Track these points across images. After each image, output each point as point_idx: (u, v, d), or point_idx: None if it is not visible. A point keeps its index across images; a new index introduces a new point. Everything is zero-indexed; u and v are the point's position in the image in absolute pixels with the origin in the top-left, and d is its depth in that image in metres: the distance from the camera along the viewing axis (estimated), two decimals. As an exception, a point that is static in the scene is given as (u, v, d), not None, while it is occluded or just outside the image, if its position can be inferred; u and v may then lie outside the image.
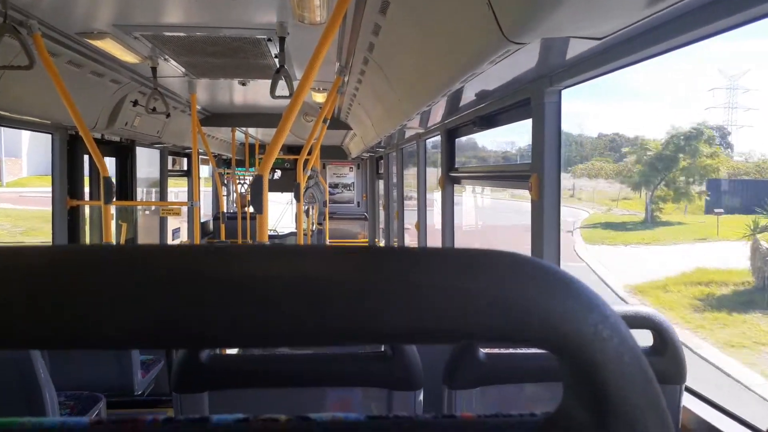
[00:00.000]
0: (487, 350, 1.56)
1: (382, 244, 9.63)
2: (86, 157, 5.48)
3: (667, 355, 1.53)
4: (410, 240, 7.38)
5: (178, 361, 1.46)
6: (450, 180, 4.40)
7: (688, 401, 1.89)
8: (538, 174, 2.46)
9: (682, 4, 1.39)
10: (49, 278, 0.32)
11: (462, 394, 1.55)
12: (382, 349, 1.58)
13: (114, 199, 3.72)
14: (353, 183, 12.34)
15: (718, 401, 1.91)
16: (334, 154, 11.09)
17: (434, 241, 5.82)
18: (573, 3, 1.47)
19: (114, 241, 3.61)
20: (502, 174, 3.37)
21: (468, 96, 3.20)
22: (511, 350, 1.59)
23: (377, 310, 0.33)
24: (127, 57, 3.92)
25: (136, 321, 0.32)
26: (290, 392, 1.59)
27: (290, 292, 0.33)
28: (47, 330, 0.32)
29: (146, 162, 7.35)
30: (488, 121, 3.30)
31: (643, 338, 1.59)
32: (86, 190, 5.77)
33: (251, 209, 9.84)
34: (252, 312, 0.32)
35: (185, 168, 8.99)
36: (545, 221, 2.48)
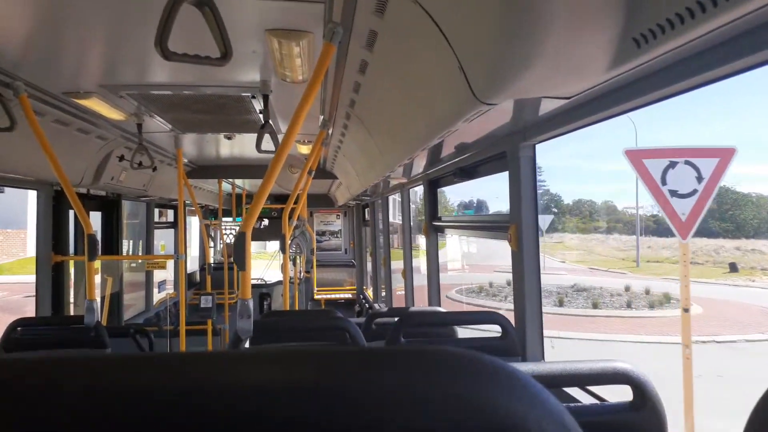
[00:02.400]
0: None
1: (370, 291, 9.59)
2: (71, 212, 5.48)
3: (647, 410, 1.54)
4: (398, 286, 7.37)
5: None
6: (433, 229, 4.45)
7: None
8: (517, 224, 2.51)
9: (641, 67, 1.47)
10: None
11: None
12: None
13: (98, 255, 3.71)
14: (340, 230, 12.36)
15: None
16: (321, 201, 11.15)
17: (422, 288, 5.82)
18: (539, 66, 1.55)
19: (98, 298, 3.58)
20: (482, 225, 3.42)
21: (448, 148, 3.28)
22: None
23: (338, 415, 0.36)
24: (114, 115, 3.98)
25: None
26: None
27: (239, 401, 0.35)
28: None
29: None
30: (468, 172, 3.37)
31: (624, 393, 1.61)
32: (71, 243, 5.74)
33: None
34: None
35: (171, 219, 8.99)
36: (525, 269, 2.51)
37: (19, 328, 3.40)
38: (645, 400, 1.55)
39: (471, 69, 1.75)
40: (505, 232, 2.64)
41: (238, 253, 2.47)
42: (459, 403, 0.36)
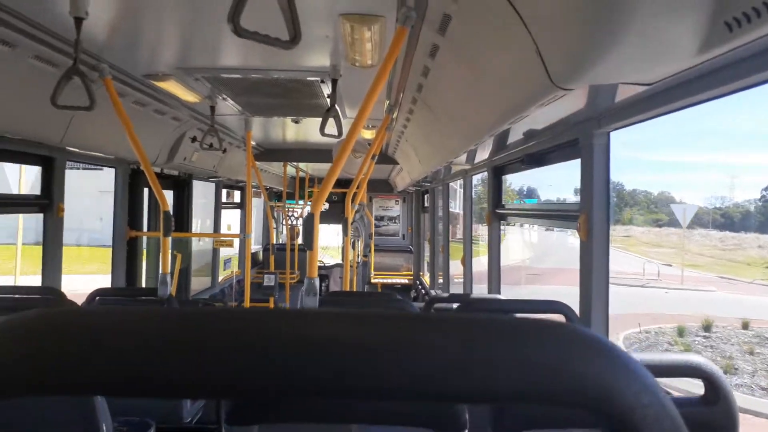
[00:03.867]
0: None
1: (427, 277, 9.61)
2: (145, 190, 5.75)
3: (719, 406, 1.49)
4: (455, 273, 7.35)
5: None
6: (496, 216, 4.40)
7: None
8: (587, 214, 2.46)
9: (732, 52, 1.40)
10: (119, 337, 0.38)
11: None
12: None
13: (172, 232, 3.89)
14: (398, 216, 12.41)
15: None
16: (380, 187, 11.21)
17: (480, 276, 5.78)
18: (621, 50, 1.50)
19: (169, 271, 3.76)
20: (549, 213, 3.36)
21: (516, 135, 3.23)
22: None
23: (426, 374, 0.37)
24: (188, 97, 4.14)
25: (213, 374, 0.38)
26: (335, 428, 1.62)
27: (351, 352, 0.37)
28: (151, 380, 0.38)
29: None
30: (536, 159, 3.31)
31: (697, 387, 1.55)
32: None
33: (300, 241, 10.03)
34: (318, 370, 0.37)
35: (237, 200, 9.27)
36: (594, 261, 2.46)
37: (97, 298, 3.61)
38: (718, 396, 1.50)
39: (548, 53, 1.72)
40: (573, 221, 2.59)
41: (306, 232, 2.54)
42: (559, 374, 0.38)
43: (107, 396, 0.39)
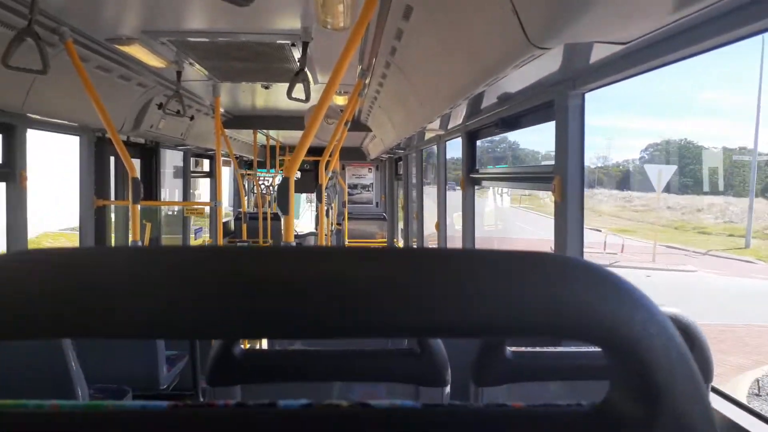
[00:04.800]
0: (513, 348, 1.59)
1: (401, 244, 9.66)
2: (111, 159, 5.60)
3: (695, 353, 1.54)
4: (430, 240, 7.41)
5: (213, 356, 1.52)
6: (471, 181, 4.42)
7: (713, 401, 1.90)
8: (561, 176, 2.48)
9: (707, 9, 1.40)
10: (100, 275, 0.37)
11: (489, 391, 1.58)
12: (408, 345, 1.62)
13: (141, 198, 3.81)
14: (372, 184, 12.40)
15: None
16: (353, 155, 11.15)
17: (454, 241, 5.84)
18: (598, 8, 1.49)
19: (140, 240, 3.69)
20: (524, 176, 3.39)
21: (490, 98, 3.22)
22: (537, 348, 1.62)
23: (431, 308, 0.37)
24: (154, 62, 4.01)
25: (187, 314, 0.36)
26: (318, 386, 1.63)
27: (332, 288, 0.37)
28: (104, 320, 0.37)
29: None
30: (510, 123, 3.32)
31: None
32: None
33: (271, 210, 9.95)
34: (294, 306, 0.36)
35: (207, 169, 9.11)
36: (569, 222, 2.49)
37: None
38: (693, 346, 1.55)
39: (525, 11, 1.70)
40: (548, 183, 2.61)
41: (281, 197, 2.51)
42: (563, 304, 0.38)
43: (78, 336, 0.37)
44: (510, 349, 1.58)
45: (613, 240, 20.20)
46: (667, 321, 0.39)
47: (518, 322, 0.37)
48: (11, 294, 0.36)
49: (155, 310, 0.36)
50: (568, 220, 2.47)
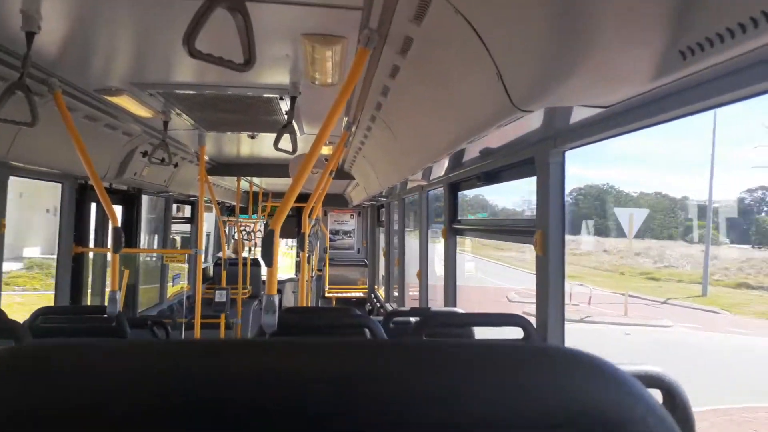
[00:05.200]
0: None
1: (381, 291, 9.62)
2: (93, 205, 5.56)
3: (677, 416, 1.56)
4: (411, 289, 7.40)
5: None
6: (453, 231, 4.47)
7: None
8: (543, 230, 2.53)
9: (685, 78, 1.49)
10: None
11: None
12: None
13: (123, 247, 3.77)
14: (354, 230, 12.41)
15: None
16: (335, 201, 11.20)
17: (436, 290, 5.85)
18: (581, 75, 1.57)
19: (117, 288, 3.64)
20: (506, 228, 3.45)
21: (472, 153, 3.30)
22: None
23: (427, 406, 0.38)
24: (142, 112, 4.04)
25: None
26: None
27: (332, 387, 0.37)
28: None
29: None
30: (492, 177, 3.39)
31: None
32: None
33: (251, 255, 9.87)
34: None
35: (188, 215, 9.07)
36: (550, 276, 2.53)
37: (40, 317, 3.45)
38: (675, 405, 1.56)
39: (510, 77, 1.78)
40: (530, 236, 2.66)
41: (266, 249, 2.51)
42: (559, 398, 0.39)
43: None
44: None
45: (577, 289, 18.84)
46: (666, 414, 0.41)
47: (519, 419, 0.39)
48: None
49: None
50: (550, 273, 2.51)
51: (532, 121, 2.27)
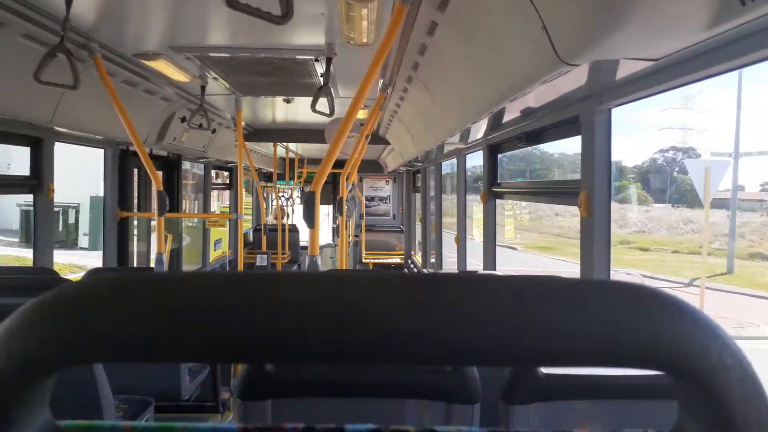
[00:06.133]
0: (545, 369, 1.58)
1: (418, 256, 9.64)
2: (135, 171, 5.68)
3: None
4: (448, 252, 7.38)
5: (244, 371, 1.52)
6: (492, 195, 4.40)
7: None
8: (588, 191, 2.46)
9: (744, 26, 1.39)
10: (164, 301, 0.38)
11: (519, 409, 1.56)
12: None
13: (167, 211, 3.85)
14: (389, 196, 12.41)
15: None
16: (371, 167, 11.19)
17: (475, 254, 5.81)
18: (629, 26, 1.49)
19: (163, 251, 3.73)
20: (548, 190, 3.37)
21: (512, 113, 3.22)
22: (568, 370, 1.60)
23: (488, 333, 0.37)
24: (178, 76, 4.07)
25: (224, 338, 0.37)
26: (348, 402, 1.63)
27: (363, 316, 0.37)
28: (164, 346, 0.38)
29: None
30: (534, 137, 3.31)
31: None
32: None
33: (290, 221, 9.99)
34: (333, 331, 0.37)
35: (227, 181, 9.20)
36: (595, 238, 2.47)
37: (92, 277, 3.57)
38: None
39: (555, 28, 1.70)
40: (573, 198, 2.59)
41: (308, 211, 2.52)
42: (638, 334, 0.37)
43: (159, 361, 0.39)
44: (542, 369, 1.57)
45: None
46: (742, 352, 0.38)
47: (593, 353, 0.37)
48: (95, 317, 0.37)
49: (213, 336, 0.37)
50: (595, 235, 2.45)
51: (577, 76, 2.18)
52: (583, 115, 2.49)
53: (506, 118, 3.43)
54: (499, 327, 0.37)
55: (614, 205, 2.47)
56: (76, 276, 3.89)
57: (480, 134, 4.28)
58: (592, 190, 2.43)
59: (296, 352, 0.37)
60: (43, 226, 3.94)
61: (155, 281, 0.39)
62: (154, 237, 5.72)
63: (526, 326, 0.37)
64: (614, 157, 2.41)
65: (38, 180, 3.89)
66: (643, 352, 0.37)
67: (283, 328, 0.37)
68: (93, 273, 3.53)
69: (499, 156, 4.41)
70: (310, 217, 2.50)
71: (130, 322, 0.37)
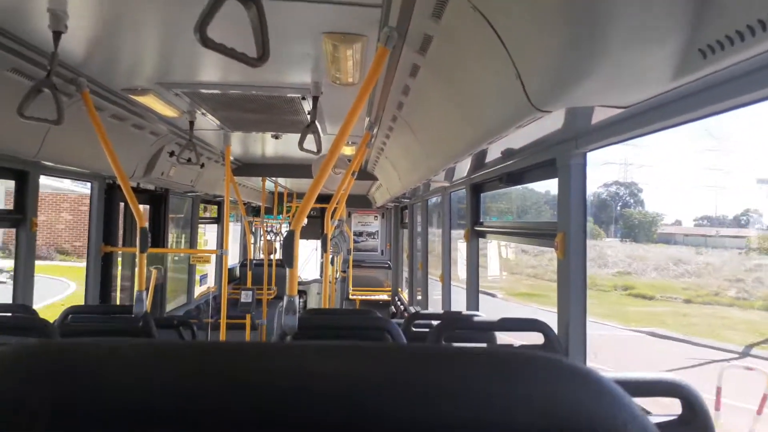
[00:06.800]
0: None
1: (405, 294, 9.61)
2: (121, 204, 5.67)
3: (696, 425, 1.51)
4: (434, 290, 7.37)
5: None
6: (475, 234, 4.43)
7: None
8: (565, 232, 2.49)
9: (706, 78, 1.45)
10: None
11: None
12: None
13: (149, 247, 3.83)
14: (377, 231, 12.43)
15: None
16: (359, 202, 11.23)
17: (459, 292, 5.81)
18: (599, 75, 1.54)
19: (145, 288, 3.69)
20: (528, 231, 3.40)
21: (494, 153, 3.27)
22: None
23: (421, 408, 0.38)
24: (167, 111, 4.11)
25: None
26: None
27: (338, 389, 0.38)
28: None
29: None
30: (514, 178, 3.36)
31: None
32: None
33: (278, 256, 9.95)
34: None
35: (213, 215, 9.19)
36: (571, 279, 2.49)
37: (70, 316, 3.53)
38: (695, 415, 1.52)
39: (529, 76, 1.76)
40: (551, 239, 2.62)
41: (287, 251, 2.52)
42: (552, 408, 0.39)
43: None
44: None
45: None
46: (648, 422, 0.40)
47: (506, 424, 0.38)
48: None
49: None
50: (571, 276, 2.47)
51: (553, 121, 2.24)
52: (560, 159, 2.54)
53: (488, 158, 3.50)
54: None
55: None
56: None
57: (464, 173, 4.34)
58: (568, 232, 2.46)
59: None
60: (25, 262, 3.90)
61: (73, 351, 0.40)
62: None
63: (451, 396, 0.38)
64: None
65: (22, 214, 3.88)
66: (555, 426, 0.38)
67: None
68: (69, 312, 3.48)
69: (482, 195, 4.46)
70: (289, 257, 2.49)
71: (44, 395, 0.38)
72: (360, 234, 12.42)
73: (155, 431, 0.38)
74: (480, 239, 4.45)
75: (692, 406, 1.52)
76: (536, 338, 2.66)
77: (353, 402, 0.38)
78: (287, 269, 2.55)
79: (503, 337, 3.26)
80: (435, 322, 3.20)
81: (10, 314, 3.10)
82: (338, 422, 0.38)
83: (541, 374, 0.39)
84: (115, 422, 0.38)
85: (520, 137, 2.63)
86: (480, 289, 4.51)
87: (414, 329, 3.34)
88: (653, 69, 1.50)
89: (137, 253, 3.81)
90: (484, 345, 2.88)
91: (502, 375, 0.39)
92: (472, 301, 4.50)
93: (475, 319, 2.85)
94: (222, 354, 0.40)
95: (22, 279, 3.88)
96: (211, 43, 1.48)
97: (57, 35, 2.40)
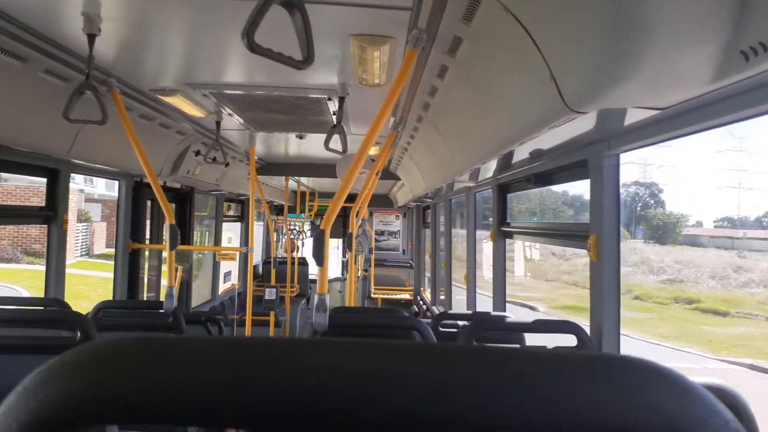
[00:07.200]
0: None
1: (427, 293, 9.58)
2: (148, 203, 5.75)
3: (744, 427, 1.47)
4: (458, 289, 7.33)
5: None
6: (502, 234, 4.40)
7: None
8: (597, 235, 2.46)
9: (749, 80, 1.41)
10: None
11: None
12: None
13: (178, 244, 3.87)
14: (399, 231, 12.41)
15: None
16: (381, 202, 11.23)
17: (484, 292, 5.77)
18: (636, 77, 1.51)
19: (174, 284, 3.74)
20: (558, 232, 3.36)
21: (521, 154, 3.24)
22: None
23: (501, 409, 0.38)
24: (194, 112, 4.15)
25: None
26: None
27: (418, 387, 0.38)
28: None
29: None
30: (543, 179, 3.32)
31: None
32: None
33: (299, 254, 10.00)
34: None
35: (237, 213, 9.27)
36: (604, 283, 2.45)
37: (100, 311, 3.58)
38: (740, 416, 1.49)
39: (563, 77, 1.73)
40: (583, 241, 2.58)
41: (317, 249, 2.53)
42: (636, 409, 0.38)
43: (192, 425, 0.40)
44: None
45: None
46: (740, 427, 0.39)
47: (595, 428, 0.38)
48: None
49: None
50: (605, 279, 2.43)
51: (585, 122, 2.20)
52: (592, 160, 2.50)
53: (516, 158, 3.46)
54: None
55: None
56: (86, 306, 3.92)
57: (490, 173, 4.30)
58: (601, 234, 2.42)
59: (313, 423, 0.38)
60: (57, 257, 3.97)
61: (179, 345, 0.40)
62: (165, 268, 5.75)
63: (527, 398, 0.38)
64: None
65: (54, 211, 3.95)
66: (642, 429, 0.37)
67: (304, 399, 0.38)
68: (101, 307, 3.53)
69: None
70: (320, 255, 2.49)
71: (155, 388, 0.38)
72: (381, 233, 12.42)
73: (250, 425, 0.39)
74: (507, 240, 4.41)
75: (738, 411, 1.48)
76: (562, 341, 2.62)
77: (433, 400, 0.38)
78: (317, 267, 2.55)
79: (532, 338, 3.22)
80: (461, 323, 3.18)
81: (42, 308, 3.16)
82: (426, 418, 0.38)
83: (629, 377, 0.38)
84: (218, 415, 0.39)
85: (549, 138, 2.59)
86: (516, 299, 4.48)
87: (441, 329, 3.32)
88: (693, 70, 1.47)
89: (167, 250, 3.85)
90: (517, 346, 2.85)
91: (590, 378, 0.38)
92: (499, 302, 4.46)
93: (507, 320, 2.83)
94: (306, 349, 0.40)
95: (54, 274, 3.95)
96: (259, 49, 1.50)
97: (91, 38, 2.43)
